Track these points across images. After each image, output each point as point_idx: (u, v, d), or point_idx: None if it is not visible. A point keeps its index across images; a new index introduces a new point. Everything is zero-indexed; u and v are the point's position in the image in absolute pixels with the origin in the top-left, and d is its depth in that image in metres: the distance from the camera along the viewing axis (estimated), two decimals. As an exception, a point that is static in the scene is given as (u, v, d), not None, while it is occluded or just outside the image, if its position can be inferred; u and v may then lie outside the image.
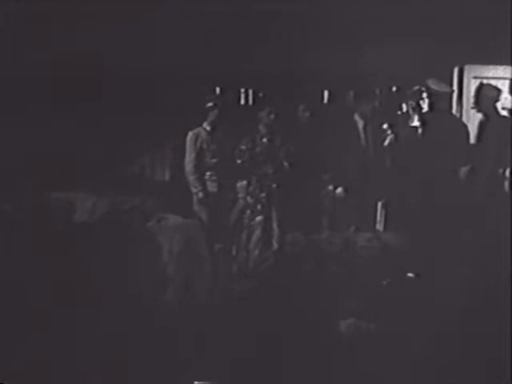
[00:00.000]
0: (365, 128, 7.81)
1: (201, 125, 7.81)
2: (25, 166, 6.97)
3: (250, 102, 8.04)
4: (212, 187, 7.79)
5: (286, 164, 7.67)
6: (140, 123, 7.65)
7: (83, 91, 7.47)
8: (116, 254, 6.03)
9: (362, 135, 7.81)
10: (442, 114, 7.40)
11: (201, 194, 7.71)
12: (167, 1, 7.60)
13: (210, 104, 7.82)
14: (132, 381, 5.40)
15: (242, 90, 8.03)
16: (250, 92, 8.02)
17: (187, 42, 7.64)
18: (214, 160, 7.80)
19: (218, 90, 7.96)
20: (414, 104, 7.40)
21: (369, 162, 7.68)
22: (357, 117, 7.83)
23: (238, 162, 7.68)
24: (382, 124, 7.63)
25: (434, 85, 7.33)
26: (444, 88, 7.45)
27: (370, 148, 7.78)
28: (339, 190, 7.65)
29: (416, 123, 7.39)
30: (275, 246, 7.51)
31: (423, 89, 7.33)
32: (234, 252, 7.56)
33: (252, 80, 7.95)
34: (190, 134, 7.80)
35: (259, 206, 7.62)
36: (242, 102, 8.05)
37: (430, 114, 7.34)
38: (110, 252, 6.04)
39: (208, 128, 7.82)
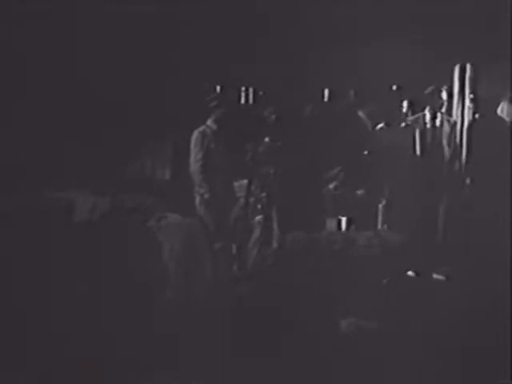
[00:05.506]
0: (366, 126, 7.82)
1: (204, 123, 7.61)
2: (25, 165, 6.99)
3: (251, 100, 8.01)
4: (218, 187, 7.63)
5: (286, 164, 7.67)
6: (140, 123, 7.65)
7: (84, 91, 7.49)
8: (116, 254, 6.04)
9: (364, 134, 7.82)
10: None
11: (207, 195, 7.52)
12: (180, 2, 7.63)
13: (215, 102, 7.62)
14: (131, 380, 5.42)
15: (243, 89, 8.00)
16: (251, 91, 8.00)
17: (187, 42, 7.66)
18: (221, 159, 7.59)
19: (218, 88, 7.93)
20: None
21: (371, 160, 7.69)
22: (358, 115, 7.85)
23: (241, 161, 7.67)
24: (379, 123, 7.65)
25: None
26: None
27: (370, 146, 7.79)
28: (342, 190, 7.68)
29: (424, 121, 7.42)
30: (275, 245, 7.51)
31: (440, 88, 7.34)
32: (234, 251, 7.55)
33: (253, 79, 7.94)
34: (196, 132, 7.55)
35: (259, 206, 7.61)
36: (243, 101, 8.02)
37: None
38: (110, 251, 6.04)
39: (214, 127, 7.57)
